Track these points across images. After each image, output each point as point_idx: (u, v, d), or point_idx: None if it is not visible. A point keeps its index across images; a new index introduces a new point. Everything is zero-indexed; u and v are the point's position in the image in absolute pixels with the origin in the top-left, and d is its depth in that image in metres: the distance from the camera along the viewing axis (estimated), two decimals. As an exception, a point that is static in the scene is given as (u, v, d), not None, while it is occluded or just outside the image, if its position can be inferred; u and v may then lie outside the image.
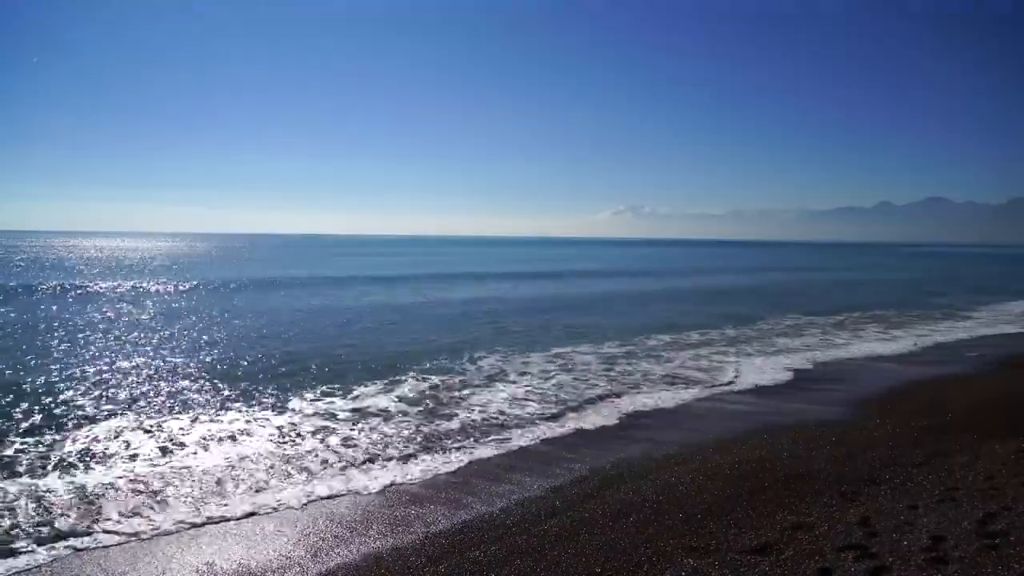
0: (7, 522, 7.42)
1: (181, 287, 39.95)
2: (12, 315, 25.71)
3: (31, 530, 7.25)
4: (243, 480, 8.83)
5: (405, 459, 9.77)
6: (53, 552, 6.79)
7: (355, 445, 10.30)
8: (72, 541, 7.03)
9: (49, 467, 9.12)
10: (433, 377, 15.24)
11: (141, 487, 8.50)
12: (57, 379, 14.45)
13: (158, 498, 8.17)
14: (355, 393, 13.59)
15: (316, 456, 9.78)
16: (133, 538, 7.14)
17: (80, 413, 11.79)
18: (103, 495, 8.23)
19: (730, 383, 15.17)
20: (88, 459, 9.44)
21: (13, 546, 6.89)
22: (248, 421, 11.49)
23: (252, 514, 7.79)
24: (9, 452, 9.64)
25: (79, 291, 36.41)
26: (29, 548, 6.87)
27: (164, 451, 9.85)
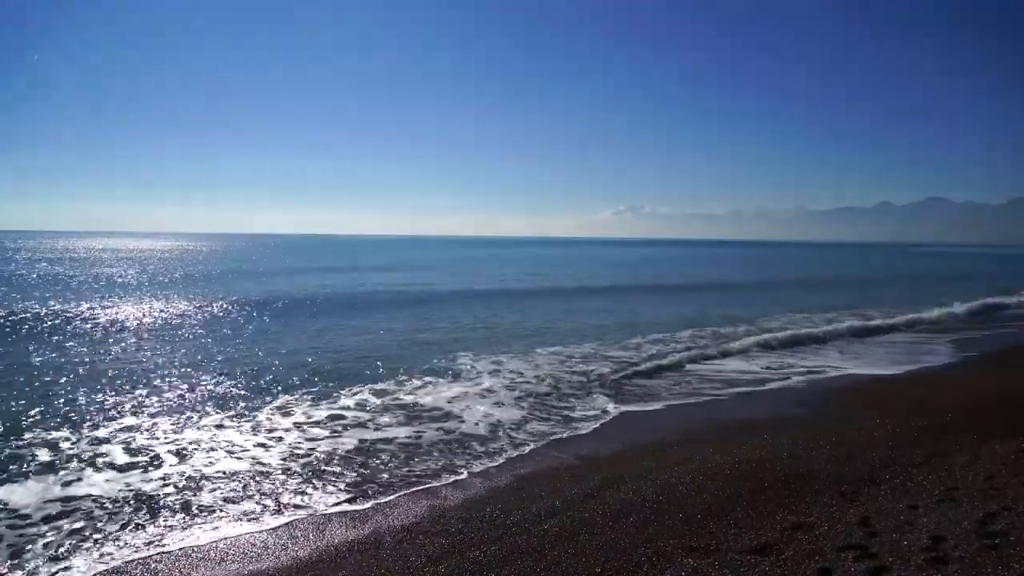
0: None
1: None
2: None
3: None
4: (240, 489, 8.85)
5: (406, 461, 9.78)
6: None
7: (357, 448, 10.32)
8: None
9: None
10: (434, 380, 15.26)
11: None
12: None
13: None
14: (357, 397, 13.61)
15: (314, 459, 9.80)
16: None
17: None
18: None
19: (725, 383, 15.17)
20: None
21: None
22: (233, 429, 11.52)
23: (256, 518, 7.81)
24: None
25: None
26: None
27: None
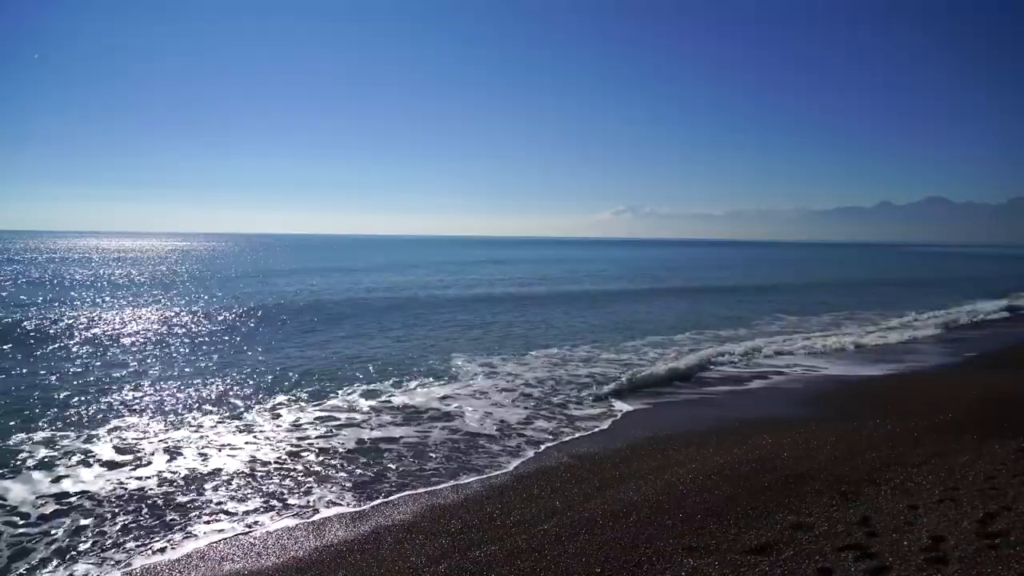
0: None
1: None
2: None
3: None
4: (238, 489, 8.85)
5: (405, 461, 9.78)
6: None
7: (356, 448, 10.32)
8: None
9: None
10: (433, 381, 15.27)
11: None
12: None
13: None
14: (355, 398, 13.62)
15: (314, 459, 9.80)
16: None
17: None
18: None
19: (724, 384, 15.17)
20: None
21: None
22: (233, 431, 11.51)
23: (255, 521, 7.81)
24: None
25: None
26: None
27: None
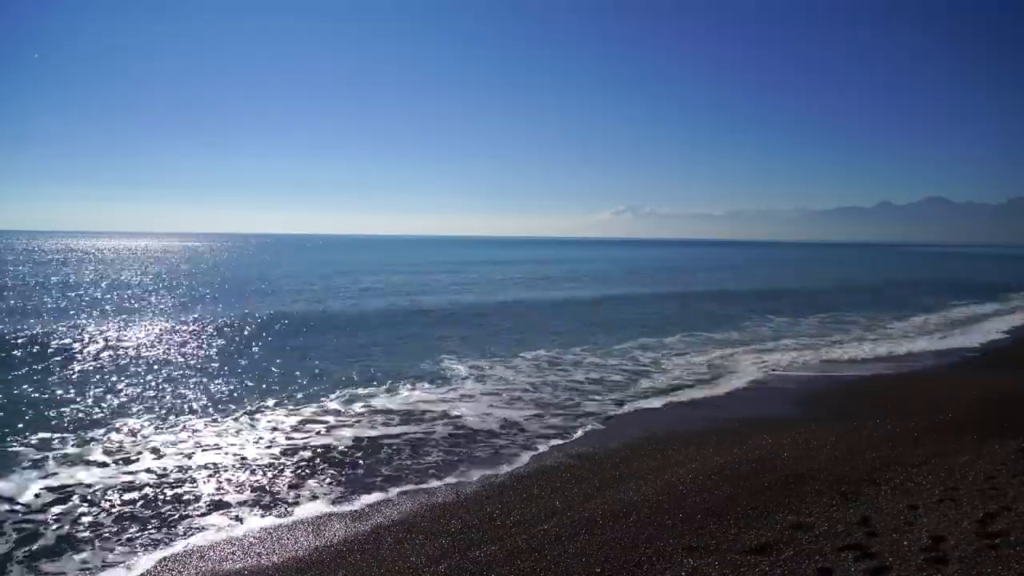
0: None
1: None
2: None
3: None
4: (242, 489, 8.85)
5: (404, 461, 9.78)
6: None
7: (356, 449, 10.32)
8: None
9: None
10: (431, 384, 15.27)
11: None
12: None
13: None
14: (353, 400, 13.62)
15: (314, 460, 9.80)
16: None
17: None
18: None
19: (720, 384, 15.16)
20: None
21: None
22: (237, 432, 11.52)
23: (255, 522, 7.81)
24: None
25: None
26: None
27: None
